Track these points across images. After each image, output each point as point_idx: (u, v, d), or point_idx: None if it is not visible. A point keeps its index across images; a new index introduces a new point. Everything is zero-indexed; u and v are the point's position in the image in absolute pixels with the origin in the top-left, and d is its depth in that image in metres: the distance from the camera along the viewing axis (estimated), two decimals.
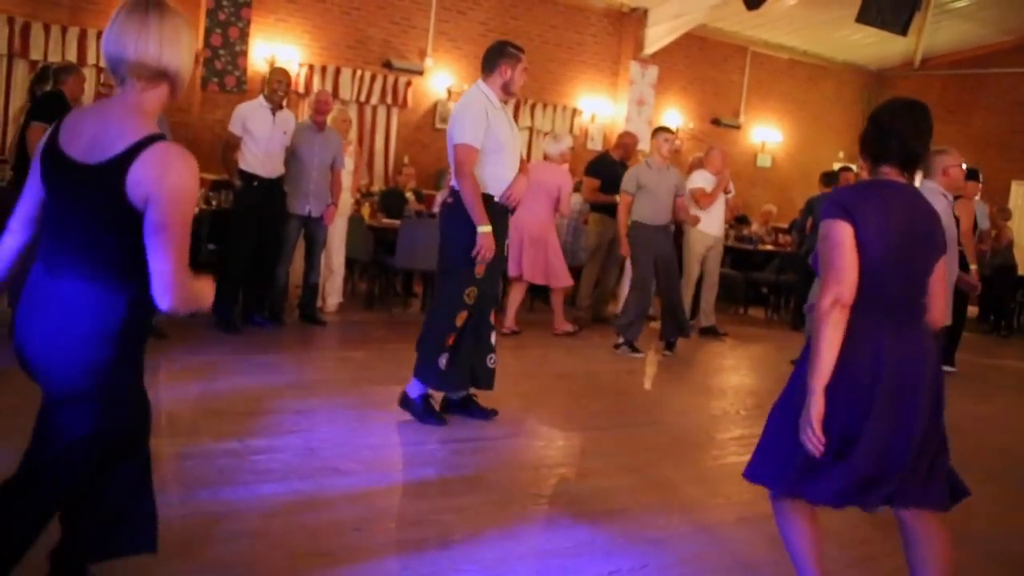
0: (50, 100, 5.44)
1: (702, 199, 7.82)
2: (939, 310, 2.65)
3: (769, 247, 10.51)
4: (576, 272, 8.68)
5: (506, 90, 4.44)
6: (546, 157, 7.50)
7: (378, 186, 10.05)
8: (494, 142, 4.37)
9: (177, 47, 2.03)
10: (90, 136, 1.97)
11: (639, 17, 11.62)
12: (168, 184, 1.92)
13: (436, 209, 8.66)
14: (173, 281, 1.94)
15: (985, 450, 5.13)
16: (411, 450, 4.17)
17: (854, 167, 8.41)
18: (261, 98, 6.33)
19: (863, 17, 9.37)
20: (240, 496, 3.31)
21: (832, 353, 2.43)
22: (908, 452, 2.47)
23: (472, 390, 4.70)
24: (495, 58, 4.43)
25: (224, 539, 2.92)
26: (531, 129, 11.35)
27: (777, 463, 2.59)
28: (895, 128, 2.58)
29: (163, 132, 2.04)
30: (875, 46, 12.81)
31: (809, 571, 2.66)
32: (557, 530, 3.32)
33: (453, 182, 4.49)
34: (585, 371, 6.27)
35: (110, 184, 1.92)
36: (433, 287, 8.09)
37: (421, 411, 4.52)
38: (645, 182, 6.82)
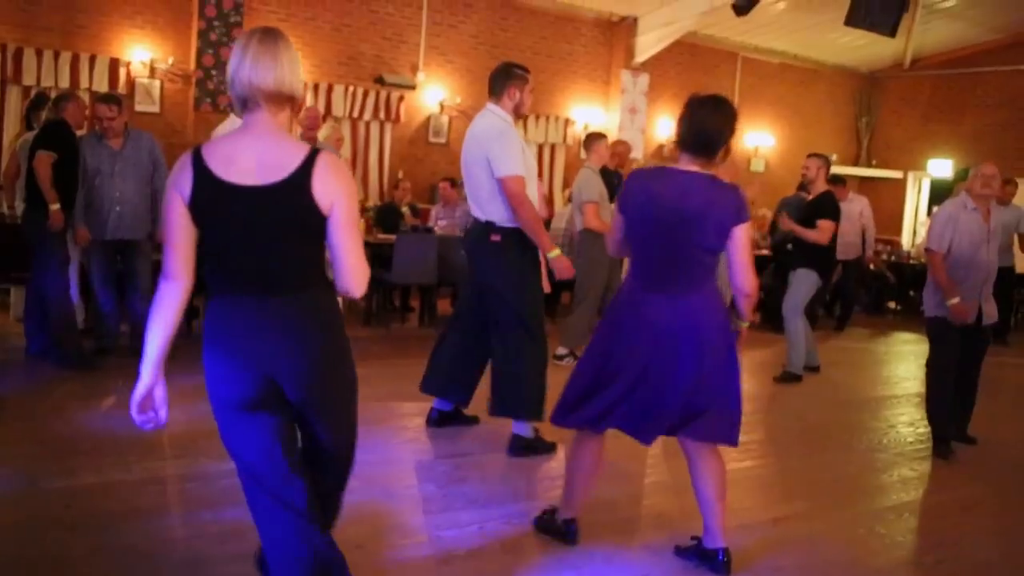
0: (55, 128, 5.52)
1: None
2: (737, 276, 2.97)
3: (764, 252, 10.53)
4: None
5: (517, 112, 4.31)
6: None
7: (372, 201, 10.08)
8: (527, 168, 4.25)
9: (299, 73, 2.22)
10: (253, 162, 2.12)
11: (629, 26, 11.68)
12: (346, 186, 2.17)
13: (432, 224, 8.70)
14: (364, 268, 2.22)
15: (984, 448, 5.15)
16: (412, 466, 4.19)
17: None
18: (232, 116, 6.31)
19: (852, 20, 9.39)
20: (243, 516, 3.28)
21: None
22: (677, 398, 2.90)
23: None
24: (504, 80, 4.26)
25: (228, 560, 2.93)
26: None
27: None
28: (692, 118, 2.98)
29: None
30: (865, 48, 12.87)
31: (576, 491, 3.20)
32: (559, 543, 3.33)
33: (478, 213, 4.32)
34: None
35: (298, 194, 2.11)
36: (430, 303, 8.20)
37: (539, 444, 4.42)
38: (602, 189, 6.57)
